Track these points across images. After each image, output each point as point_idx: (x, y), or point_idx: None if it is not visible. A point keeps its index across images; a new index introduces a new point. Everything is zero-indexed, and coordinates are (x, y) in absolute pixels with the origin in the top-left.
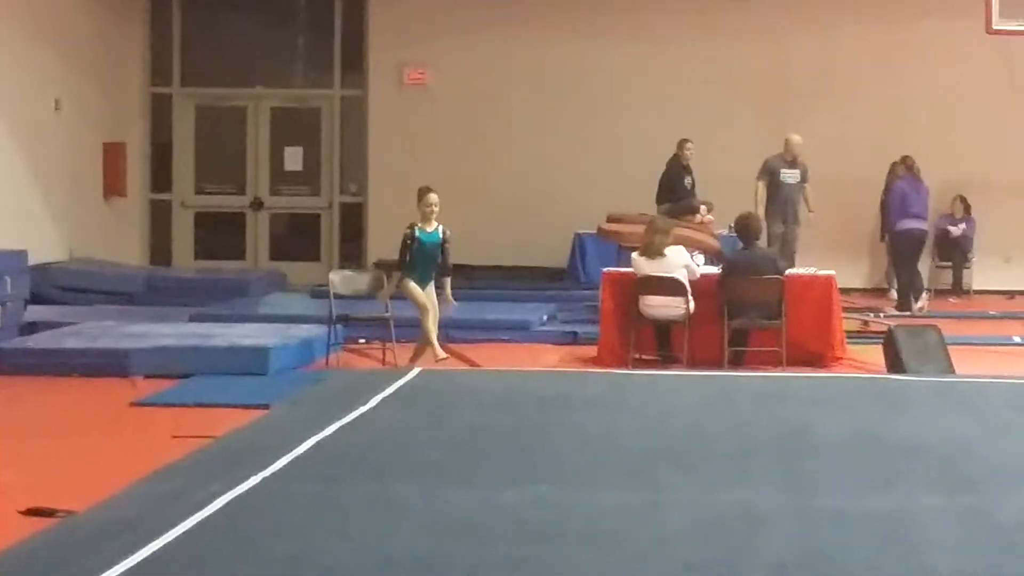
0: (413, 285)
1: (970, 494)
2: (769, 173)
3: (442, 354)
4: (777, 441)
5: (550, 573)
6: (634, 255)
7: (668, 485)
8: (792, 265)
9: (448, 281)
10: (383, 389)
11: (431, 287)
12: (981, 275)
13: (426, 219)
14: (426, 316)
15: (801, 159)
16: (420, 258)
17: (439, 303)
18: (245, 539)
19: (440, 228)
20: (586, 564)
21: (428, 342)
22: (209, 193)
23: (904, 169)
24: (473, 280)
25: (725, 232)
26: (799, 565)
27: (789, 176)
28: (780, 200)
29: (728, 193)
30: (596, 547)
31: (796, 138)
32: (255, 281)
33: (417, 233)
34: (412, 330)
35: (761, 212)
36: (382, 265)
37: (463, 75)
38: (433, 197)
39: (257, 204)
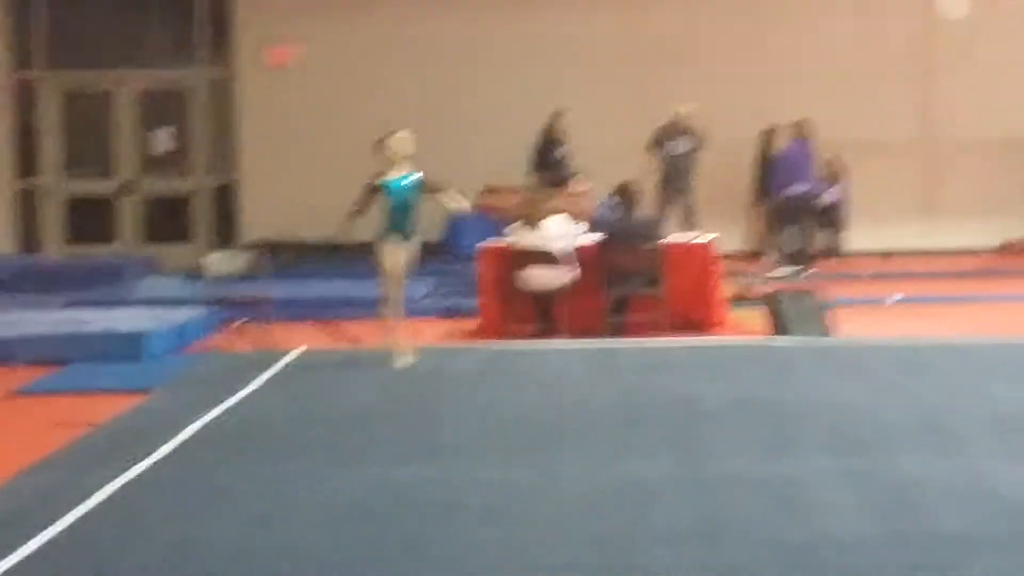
0: (388, 250)
1: (861, 456)
2: (656, 143)
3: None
4: (666, 409)
5: (452, 553)
6: (512, 226)
7: (560, 458)
8: (695, 229)
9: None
10: (264, 370)
11: (410, 246)
12: (855, 236)
13: (390, 165)
14: (397, 289)
15: (692, 127)
16: (394, 210)
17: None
18: (134, 527)
19: (413, 173)
20: (487, 542)
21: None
22: (78, 178)
23: (796, 132)
24: (349, 256)
25: (599, 201)
26: (698, 533)
27: (679, 146)
28: (669, 170)
29: (602, 163)
30: (495, 524)
31: (683, 108)
32: (128, 265)
33: (379, 182)
34: (291, 309)
35: (654, 182)
36: (256, 245)
37: (332, 52)
38: (392, 141)
39: (127, 188)
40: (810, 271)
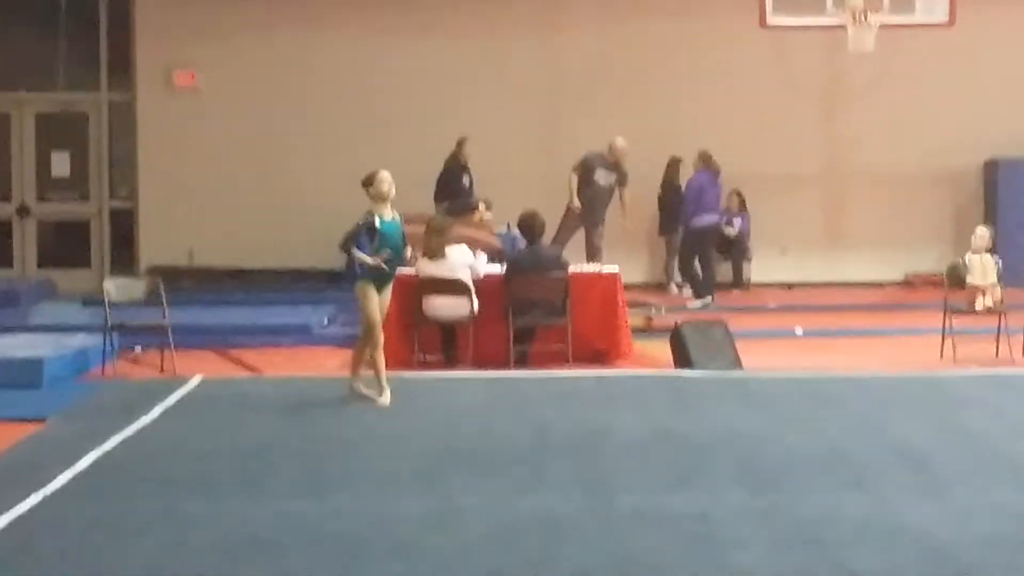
0: (372, 295)
1: (771, 491)
2: (585, 169)
3: (386, 398)
4: (572, 441)
5: None
6: (416, 255)
7: (465, 490)
8: (598, 262)
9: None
10: (164, 399)
11: (387, 291)
12: (759, 268)
13: (383, 203)
14: (374, 344)
15: (623, 165)
16: (387, 252)
17: None
18: (28, 563)
19: (396, 214)
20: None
21: (375, 373)
22: None
23: (702, 164)
24: (250, 284)
25: (504, 230)
26: (605, 569)
27: (604, 177)
28: (588, 197)
29: (507, 191)
30: (399, 558)
31: (621, 141)
32: (24, 290)
33: (378, 223)
34: (190, 337)
35: (576, 204)
36: (156, 270)
37: (234, 77)
38: (386, 175)
39: (24, 211)
40: (713, 302)
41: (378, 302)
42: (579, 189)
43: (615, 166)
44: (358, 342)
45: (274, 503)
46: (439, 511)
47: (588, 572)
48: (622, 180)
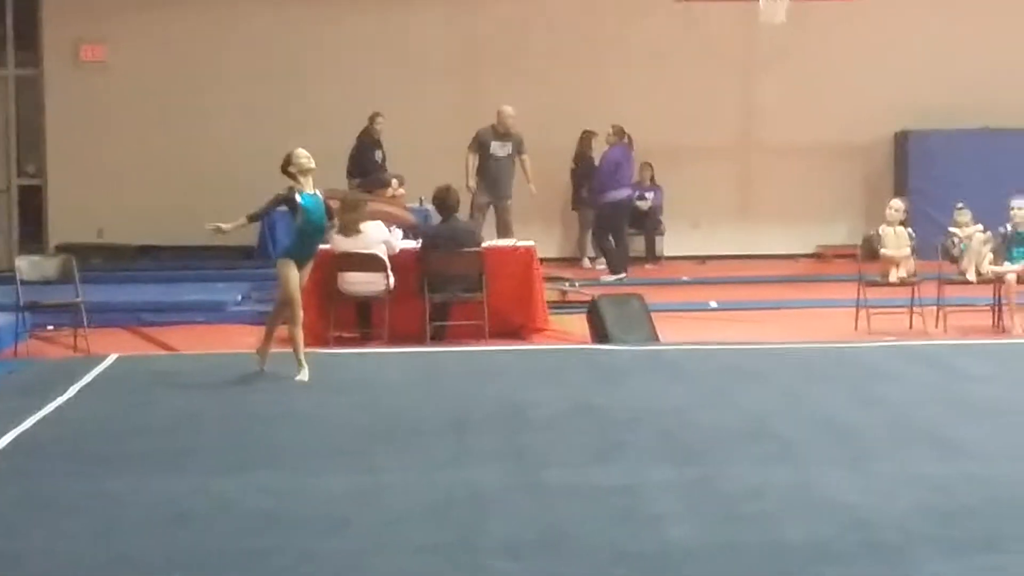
0: (293, 273)
1: (695, 464)
2: (480, 145)
3: (304, 374)
4: (495, 416)
5: (286, 563)
6: (331, 231)
7: (389, 466)
8: (511, 237)
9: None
10: (80, 378)
11: (307, 268)
12: (672, 241)
13: (304, 177)
14: (294, 321)
15: (515, 131)
16: (306, 231)
17: None
18: None
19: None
20: (322, 552)
21: (294, 349)
22: None
23: (617, 138)
24: (161, 261)
25: (417, 205)
26: (535, 543)
27: (500, 149)
28: (490, 173)
29: (420, 166)
30: (327, 534)
31: (508, 109)
32: None
33: (300, 198)
34: (103, 315)
35: (472, 184)
36: (66, 248)
37: (143, 50)
38: (303, 151)
39: None
40: (626, 277)
41: (297, 288)
42: (479, 167)
43: (508, 135)
44: (270, 317)
45: (198, 479)
46: (365, 486)
47: (517, 546)
48: (519, 148)
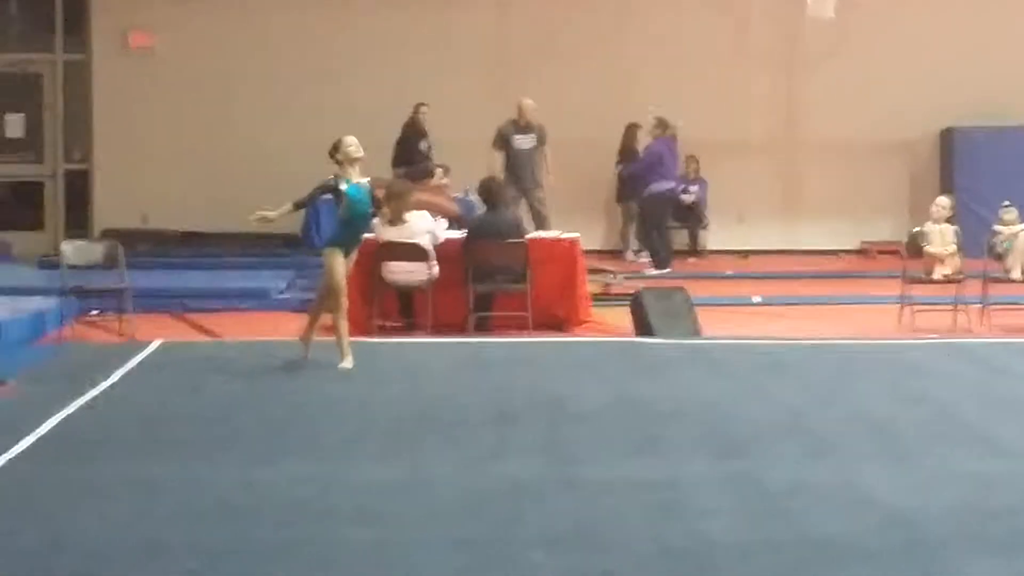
0: (339, 261)
1: (736, 459)
2: (501, 140)
3: (348, 363)
4: (535, 408)
5: (322, 555)
6: (376, 221)
7: (430, 457)
8: (547, 229)
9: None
10: (124, 363)
11: (352, 256)
12: (715, 235)
13: (351, 166)
14: (340, 310)
15: (537, 123)
16: (352, 220)
17: None
18: None
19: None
20: (358, 543)
21: (337, 339)
22: None
23: (660, 130)
24: (207, 248)
25: (461, 195)
26: (575, 537)
27: (523, 141)
28: (516, 166)
29: (462, 157)
30: (365, 525)
31: (528, 102)
32: None
33: (344, 186)
34: (147, 300)
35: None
36: (111, 233)
37: (190, 39)
38: (352, 139)
39: None
40: (669, 270)
41: (343, 276)
42: (506, 162)
43: (529, 127)
44: (313, 305)
45: (240, 468)
46: (405, 478)
47: (556, 539)
48: (542, 139)
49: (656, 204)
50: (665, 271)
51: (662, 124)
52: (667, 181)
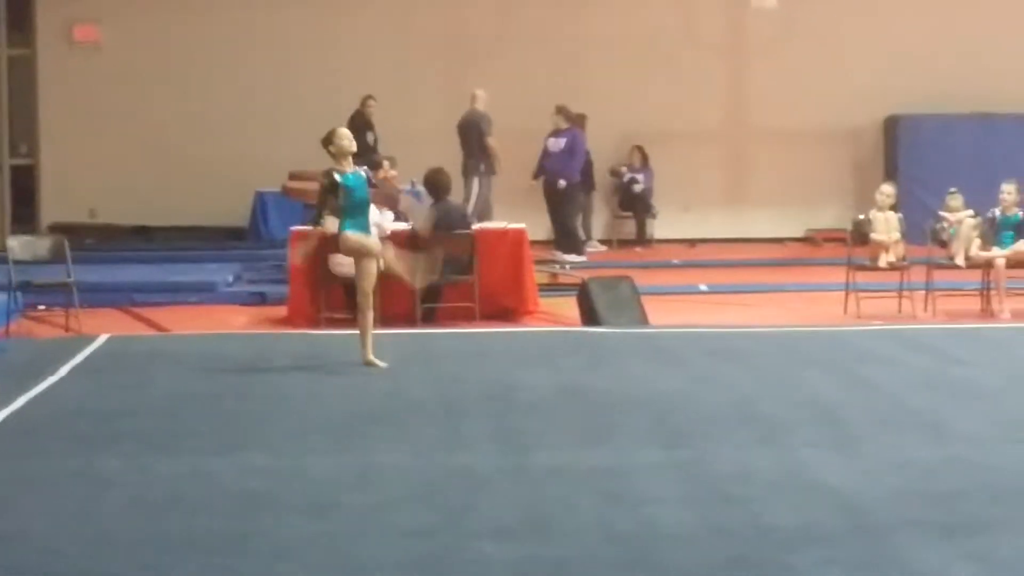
0: (354, 235)
1: (684, 447)
2: (470, 128)
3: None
4: (485, 399)
5: (272, 546)
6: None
7: (381, 449)
8: (490, 218)
9: None
10: (72, 357)
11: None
12: (663, 224)
13: (344, 158)
14: (400, 265)
15: (482, 112)
16: (354, 208)
17: None
18: None
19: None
20: (308, 534)
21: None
22: None
23: (568, 119)
24: (153, 242)
25: (409, 188)
26: (524, 525)
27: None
28: (472, 155)
29: (411, 149)
30: (315, 516)
31: (480, 92)
32: None
33: (339, 178)
34: (94, 295)
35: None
36: (58, 228)
37: (136, 32)
38: (345, 130)
39: None
40: (579, 259)
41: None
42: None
43: (478, 116)
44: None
45: (188, 460)
46: (354, 469)
47: (507, 528)
48: (486, 130)
49: (578, 192)
50: (578, 260)
51: (570, 114)
52: (575, 172)
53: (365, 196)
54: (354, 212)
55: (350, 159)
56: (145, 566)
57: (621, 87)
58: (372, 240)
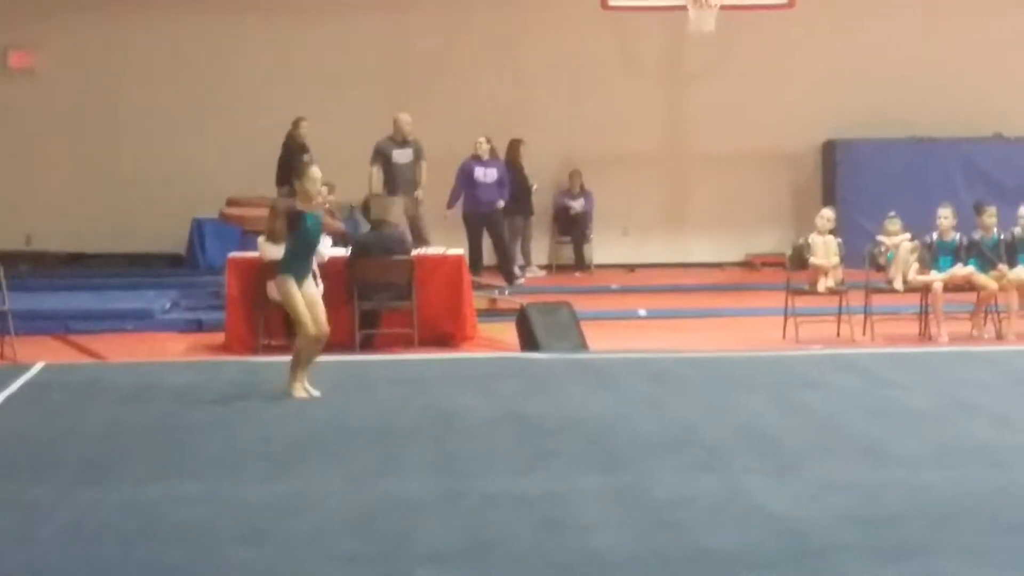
0: (293, 288)
1: (623, 472)
2: (382, 156)
3: (302, 391)
4: (422, 425)
5: (209, 574)
6: (260, 239)
7: (317, 475)
8: (427, 244)
9: None
10: (7, 386)
11: (312, 283)
12: (601, 249)
13: (311, 199)
14: (306, 337)
15: (413, 137)
16: (303, 249)
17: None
18: None
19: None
20: (241, 563)
21: (296, 367)
22: None
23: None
24: (89, 269)
25: (347, 214)
26: (463, 552)
27: (401, 156)
28: (397, 182)
29: (349, 172)
30: (250, 544)
31: (404, 116)
32: None
33: (307, 218)
34: (30, 322)
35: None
36: None
37: (71, 57)
38: (318, 174)
39: None
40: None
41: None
42: (385, 179)
43: (407, 142)
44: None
45: (123, 490)
46: (290, 496)
47: (444, 556)
48: (419, 154)
49: (502, 219)
50: (510, 287)
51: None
52: (494, 199)
53: (316, 240)
54: (300, 255)
55: (315, 201)
56: None
57: (559, 112)
58: (301, 306)
